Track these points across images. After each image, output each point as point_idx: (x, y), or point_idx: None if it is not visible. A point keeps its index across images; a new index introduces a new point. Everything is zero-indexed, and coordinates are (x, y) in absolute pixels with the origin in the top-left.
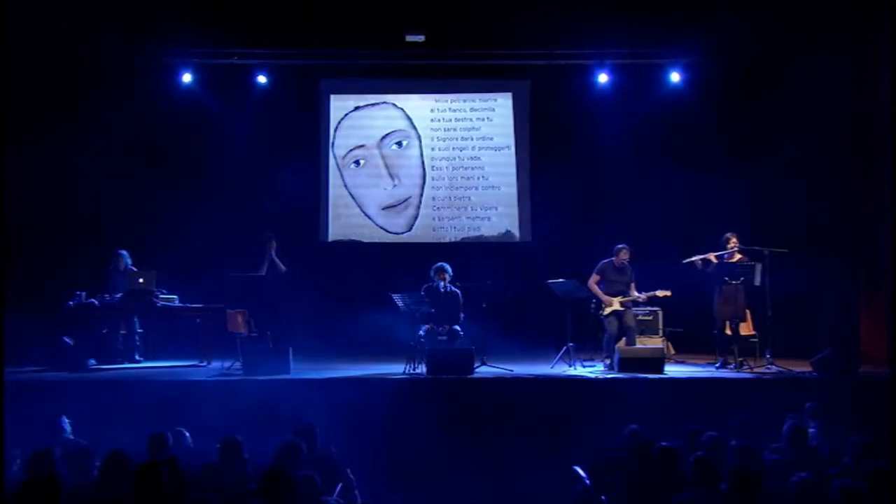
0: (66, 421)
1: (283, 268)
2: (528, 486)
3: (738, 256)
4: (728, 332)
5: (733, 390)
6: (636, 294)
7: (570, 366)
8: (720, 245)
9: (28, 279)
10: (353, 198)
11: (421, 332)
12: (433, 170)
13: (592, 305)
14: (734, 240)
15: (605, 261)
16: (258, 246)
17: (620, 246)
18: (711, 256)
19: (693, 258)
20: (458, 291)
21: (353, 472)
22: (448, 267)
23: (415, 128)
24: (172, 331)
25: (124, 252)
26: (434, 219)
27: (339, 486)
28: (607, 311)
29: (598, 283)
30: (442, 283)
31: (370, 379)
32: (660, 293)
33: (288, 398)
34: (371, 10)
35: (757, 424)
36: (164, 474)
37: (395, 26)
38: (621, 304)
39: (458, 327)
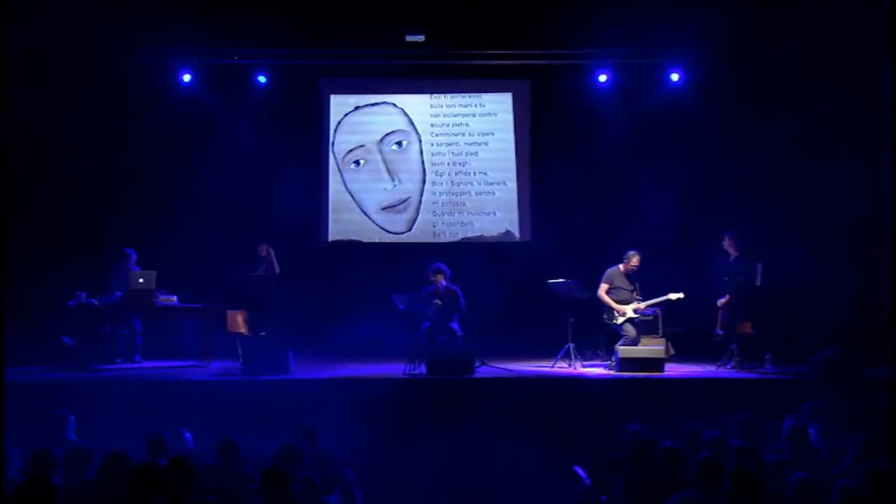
0: (72, 419)
1: (277, 269)
2: (528, 486)
3: (733, 253)
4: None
5: (733, 390)
6: (640, 303)
7: (570, 366)
8: (719, 247)
9: (28, 279)
10: (353, 198)
11: (421, 332)
12: (433, 170)
13: (604, 315)
14: (728, 240)
15: (612, 268)
16: (253, 250)
17: (632, 252)
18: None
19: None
20: (458, 289)
21: (353, 472)
22: (444, 267)
23: (415, 128)
24: (172, 331)
25: (130, 250)
26: (434, 219)
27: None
28: (621, 320)
29: (607, 293)
30: (443, 284)
31: (370, 379)
32: (672, 296)
33: (288, 398)
34: (371, 10)
35: (757, 424)
36: (169, 474)
37: (395, 26)
38: (635, 311)
39: (456, 325)
